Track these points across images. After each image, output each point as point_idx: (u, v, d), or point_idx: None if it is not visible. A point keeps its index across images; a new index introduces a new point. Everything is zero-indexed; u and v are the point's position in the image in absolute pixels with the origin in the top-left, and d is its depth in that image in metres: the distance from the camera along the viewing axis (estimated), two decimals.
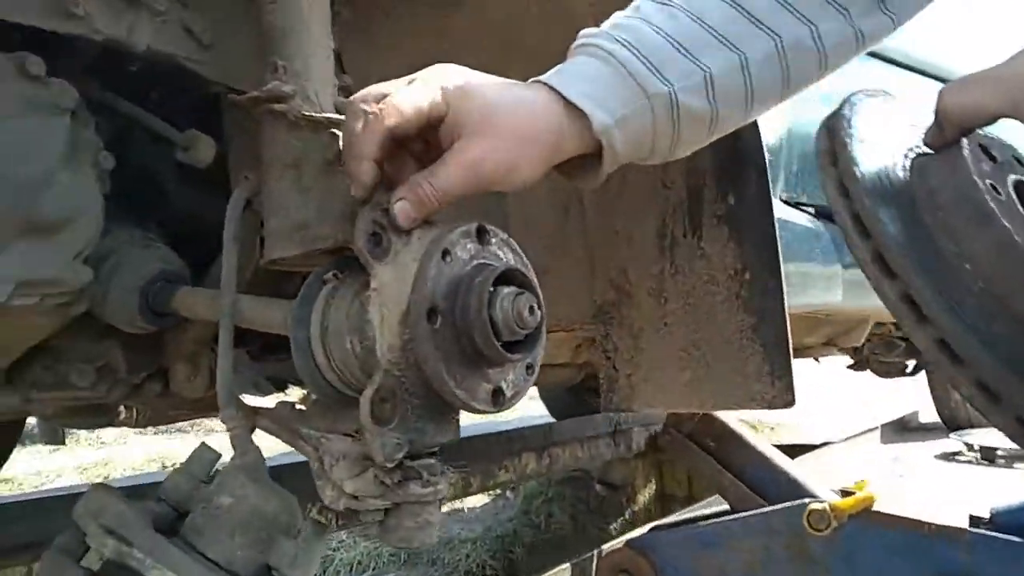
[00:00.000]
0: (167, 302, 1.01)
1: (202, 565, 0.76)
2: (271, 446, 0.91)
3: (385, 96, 0.70)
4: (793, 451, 2.85)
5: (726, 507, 2.19)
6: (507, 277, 0.70)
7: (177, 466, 0.90)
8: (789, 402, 1.12)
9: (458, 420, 0.76)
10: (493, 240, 0.75)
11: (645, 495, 3.85)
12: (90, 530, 0.78)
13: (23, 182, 0.80)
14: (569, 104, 0.71)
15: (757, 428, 4.81)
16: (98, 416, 1.43)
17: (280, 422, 0.84)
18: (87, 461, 5.55)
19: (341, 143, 0.76)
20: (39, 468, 5.22)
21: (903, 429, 4.44)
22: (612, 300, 1.25)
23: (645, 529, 2.09)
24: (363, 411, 0.70)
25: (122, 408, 1.46)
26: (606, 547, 2.10)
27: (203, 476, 0.83)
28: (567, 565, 2.27)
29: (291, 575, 0.78)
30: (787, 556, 1.75)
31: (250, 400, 1.01)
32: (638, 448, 3.07)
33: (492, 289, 0.69)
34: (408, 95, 0.70)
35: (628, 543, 1.95)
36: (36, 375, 1.10)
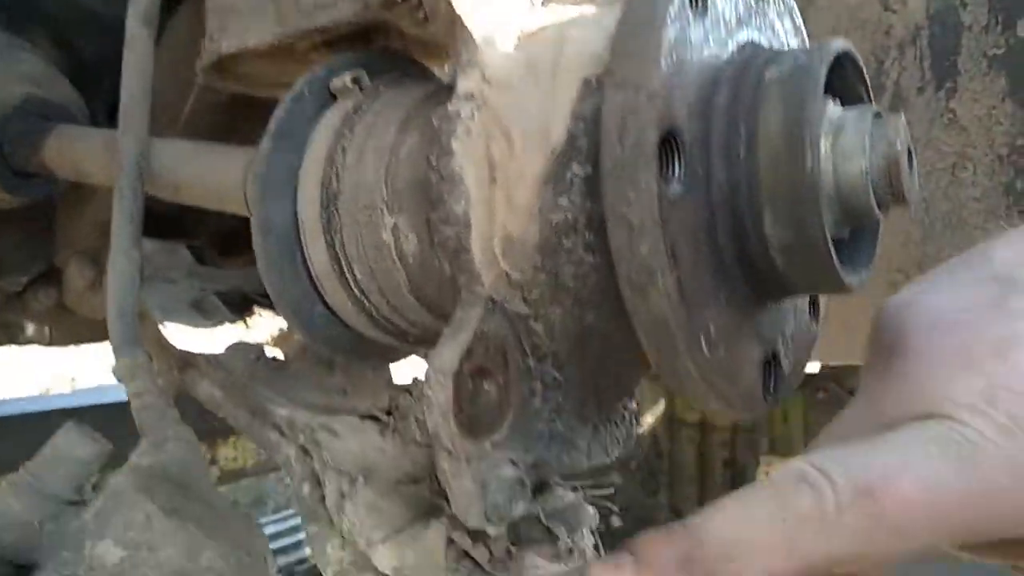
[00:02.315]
0: (34, 153, 0.57)
1: None
2: None
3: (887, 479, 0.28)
4: None
5: None
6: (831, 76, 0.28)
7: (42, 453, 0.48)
8: None
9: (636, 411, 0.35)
10: None
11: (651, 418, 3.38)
12: None
13: None
14: None
15: None
16: None
17: (234, 387, 0.43)
18: None
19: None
20: None
21: None
22: None
23: None
24: (436, 401, 0.29)
25: (28, 323, 1.02)
26: None
27: (69, 492, 0.41)
28: None
29: None
30: None
31: (183, 335, 0.59)
32: None
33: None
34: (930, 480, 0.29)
35: None
36: None
